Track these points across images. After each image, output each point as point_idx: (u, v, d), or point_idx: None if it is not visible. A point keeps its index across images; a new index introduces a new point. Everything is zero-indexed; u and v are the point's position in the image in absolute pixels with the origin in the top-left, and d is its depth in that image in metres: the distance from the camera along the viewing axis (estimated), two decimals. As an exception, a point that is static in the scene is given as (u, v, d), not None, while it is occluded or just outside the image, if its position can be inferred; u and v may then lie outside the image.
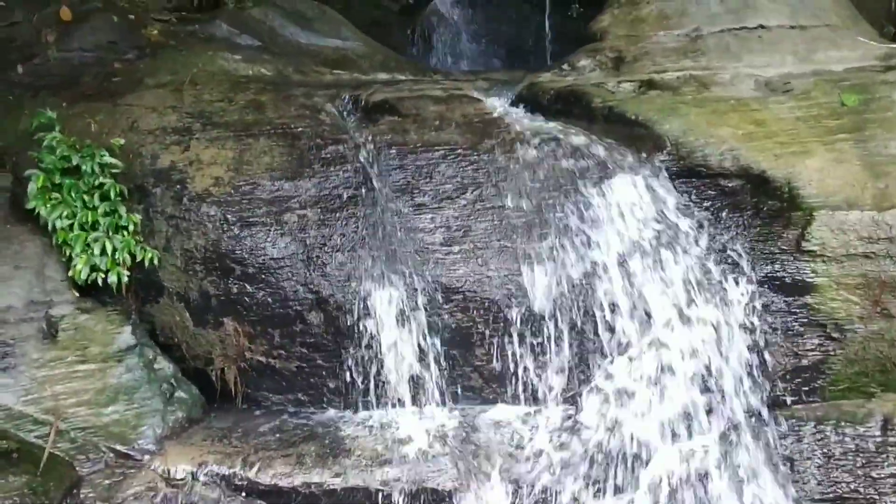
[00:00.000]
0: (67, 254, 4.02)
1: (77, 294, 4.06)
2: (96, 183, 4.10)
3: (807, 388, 3.76)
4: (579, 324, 3.84)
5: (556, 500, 3.57)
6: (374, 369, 3.92)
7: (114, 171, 4.14)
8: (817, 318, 3.76)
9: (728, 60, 4.63)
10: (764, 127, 4.13)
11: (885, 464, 3.48)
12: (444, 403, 3.94)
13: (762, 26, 4.77)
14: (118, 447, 3.74)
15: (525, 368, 3.89)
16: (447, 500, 3.61)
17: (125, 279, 4.01)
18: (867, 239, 3.74)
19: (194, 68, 4.76)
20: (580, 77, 4.77)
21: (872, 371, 3.74)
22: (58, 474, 3.62)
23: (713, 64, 4.63)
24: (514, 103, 4.63)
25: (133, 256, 4.02)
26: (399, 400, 3.93)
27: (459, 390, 3.97)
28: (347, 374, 3.94)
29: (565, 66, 4.92)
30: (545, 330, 3.86)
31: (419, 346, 3.90)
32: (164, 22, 5.29)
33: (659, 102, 4.33)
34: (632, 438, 3.62)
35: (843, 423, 3.59)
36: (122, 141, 4.23)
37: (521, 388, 3.90)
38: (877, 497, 3.45)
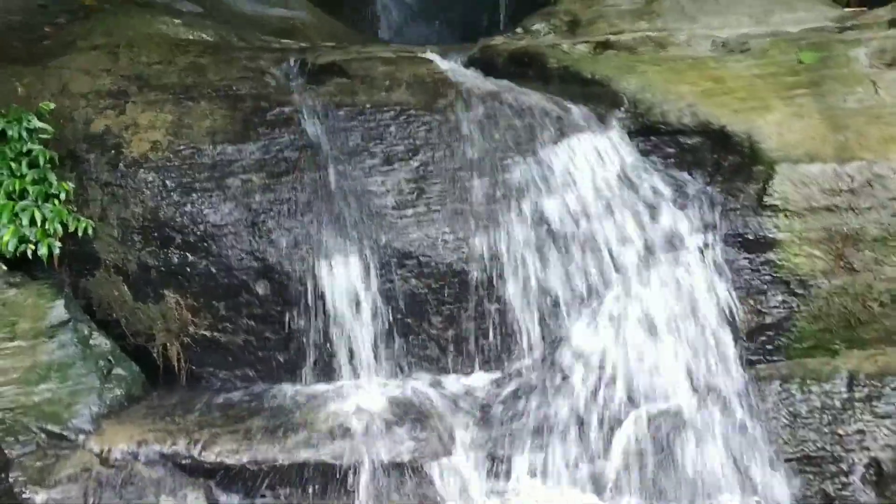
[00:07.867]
0: (-7, 225, 3.79)
1: (5, 268, 3.83)
2: (24, 149, 3.86)
3: (771, 347, 3.69)
4: (540, 286, 3.71)
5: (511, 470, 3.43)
6: (325, 340, 3.74)
7: (43, 136, 3.90)
8: (780, 274, 3.69)
9: (684, 22, 4.63)
10: (722, 84, 4.09)
11: (852, 420, 3.42)
12: (400, 374, 3.78)
13: (717, -12, 4.76)
14: (50, 427, 3.50)
15: (483, 335, 3.75)
16: (405, 471, 3.45)
17: (57, 251, 3.78)
18: (829, 191, 3.69)
19: (131, 31, 4.53)
20: (535, 40, 4.70)
21: (837, 327, 3.68)
22: (-16, 457, 3.39)
23: (669, 25, 4.61)
24: (466, 66, 4.51)
25: (65, 226, 3.79)
26: (353, 372, 3.76)
27: (416, 360, 3.82)
28: (297, 346, 3.76)
29: (519, 31, 4.91)
30: (503, 294, 3.72)
31: (372, 314, 3.74)
32: (99, -14, 5.03)
33: (616, 61, 4.29)
34: (603, 401, 3.51)
35: (808, 381, 3.52)
36: (52, 105, 3.98)
37: (481, 355, 3.77)
38: (844, 454, 3.38)
